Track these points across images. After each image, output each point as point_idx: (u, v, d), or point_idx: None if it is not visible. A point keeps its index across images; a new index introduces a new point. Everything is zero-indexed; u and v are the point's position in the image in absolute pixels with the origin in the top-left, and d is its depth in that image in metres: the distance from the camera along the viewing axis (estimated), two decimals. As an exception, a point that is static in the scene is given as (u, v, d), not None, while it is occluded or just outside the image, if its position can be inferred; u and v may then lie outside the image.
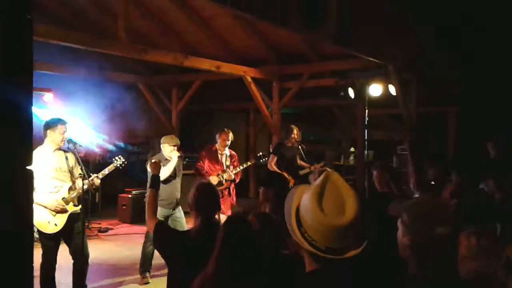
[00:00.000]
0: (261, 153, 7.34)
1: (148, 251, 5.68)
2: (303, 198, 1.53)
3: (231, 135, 6.74)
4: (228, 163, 6.74)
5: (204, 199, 2.94)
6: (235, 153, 6.95)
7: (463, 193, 3.56)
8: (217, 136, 6.77)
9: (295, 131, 7.16)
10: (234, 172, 6.70)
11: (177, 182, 5.92)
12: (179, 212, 5.86)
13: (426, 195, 3.68)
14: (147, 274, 5.74)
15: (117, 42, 6.18)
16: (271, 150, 9.38)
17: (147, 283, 5.66)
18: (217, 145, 6.75)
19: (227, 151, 6.77)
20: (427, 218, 1.60)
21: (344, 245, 1.46)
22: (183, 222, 5.82)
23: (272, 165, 7.08)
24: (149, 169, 3.75)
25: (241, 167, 6.86)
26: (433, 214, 1.62)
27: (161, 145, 5.94)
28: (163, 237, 2.96)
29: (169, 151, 5.82)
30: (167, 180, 5.69)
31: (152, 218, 3.02)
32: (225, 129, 6.77)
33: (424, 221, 1.60)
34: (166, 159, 5.77)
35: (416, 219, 1.61)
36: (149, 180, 5.66)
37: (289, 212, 1.55)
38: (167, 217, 5.74)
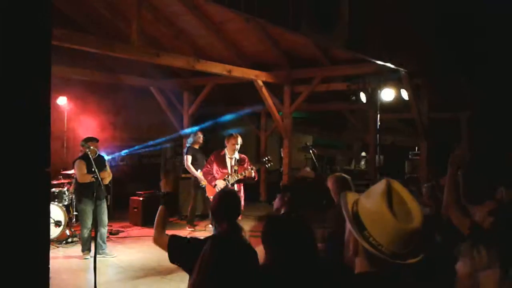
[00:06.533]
0: (266, 158, 7.21)
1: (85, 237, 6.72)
2: (365, 203, 1.55)
3: (239, 139, 6.75)
4: (236, 167, 6.73)
5: (229, 206, 2.95)
6: (245, 156, 6.93)
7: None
8: (225, 141, 6.79)
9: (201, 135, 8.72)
10: (241, 175, 6.68)
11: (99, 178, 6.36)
12: (103, 203, 6.79)
13: None
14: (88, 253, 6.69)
15: (130, 46, 6.23)
16: (282, 155, 9.37)
17: (86, 258, 6.61)
18: (226, 150, 6.77)
19: (236, 155, 6.77)
20: None
21: (407, 251, 1.49)
22: (105, 210, 6.81)
23: (188, 165, 8.37)
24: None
25: (246, 172, 6.74)
26: None
27: (89, 146, 6.41)
28: (181, 250, 2.91)
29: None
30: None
31: (162, 235, 2.97)
32: (233, 134, 6.78)
33: None
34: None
35: None
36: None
37: (349, 217, 1.58)
38: (94, 208, 6.45)
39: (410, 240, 1.47)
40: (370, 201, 1.54)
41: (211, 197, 7.03)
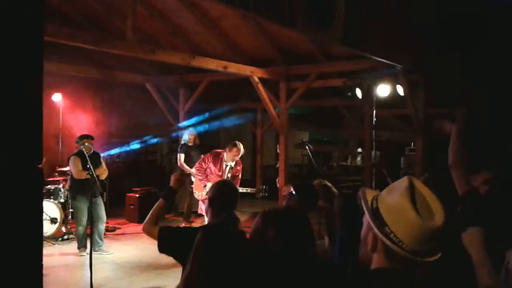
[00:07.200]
0: (263, 187, 7.21)
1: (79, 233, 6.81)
2: (386, 200, 1.55)
3: (242, 151, 6.76)
4: (230, 174, 6.78)
5: (226, 197, 2.97)
6: (239, 161, 6.95)
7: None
8: (227, 148, 6.77)
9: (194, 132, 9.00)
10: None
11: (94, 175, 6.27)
12: (99, 200, 6.82)
13: None
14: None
15: (126, 42, 6.20)
16: (278, 151, 9.40)
17: (82, 255, 6.66)
18: (225, 154, 6.77)
19: (232, 163, 6.81)
20: None
21: (426, 249, 1.50)
22: (102, 207, 6.87)
23: (182, 163, 8.46)
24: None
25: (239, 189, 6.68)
26: None
27: (83, 143, 6.51)
28: (170, 239, 2.90)
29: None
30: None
31: (154, 226, 2.97)
32: (237, 144, 6.75)
33: None
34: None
35: None
36: None
37: (369, 213, 1.58)
38: (89, 205, 6.42)
39: (431, 238, 1.48)
40: (392, 197, 1.54)
41: (197, 192, 7.07)
